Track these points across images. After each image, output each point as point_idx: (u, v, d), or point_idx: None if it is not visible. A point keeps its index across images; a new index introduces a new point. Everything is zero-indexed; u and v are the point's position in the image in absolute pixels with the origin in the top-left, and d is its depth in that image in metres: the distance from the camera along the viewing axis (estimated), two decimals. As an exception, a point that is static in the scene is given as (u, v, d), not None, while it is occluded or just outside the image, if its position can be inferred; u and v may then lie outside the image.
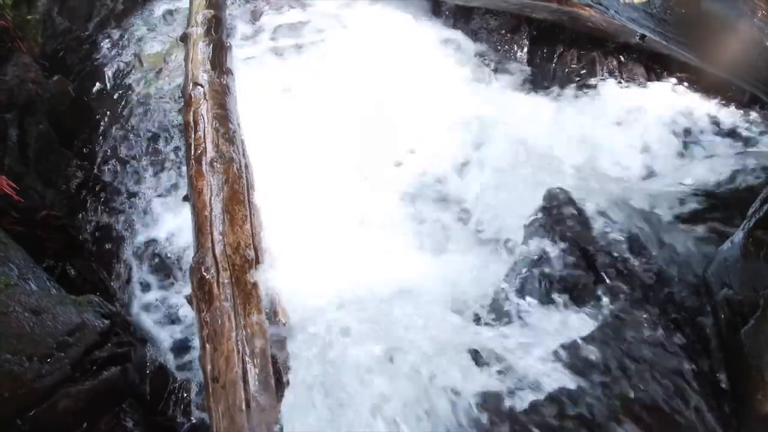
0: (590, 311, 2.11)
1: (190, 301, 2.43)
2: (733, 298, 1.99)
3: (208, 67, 3.49)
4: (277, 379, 2.11)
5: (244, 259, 2.45)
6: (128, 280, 3.08)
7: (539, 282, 2.25)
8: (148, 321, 2.84)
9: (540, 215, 2.47)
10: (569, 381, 1.90)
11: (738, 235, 2.04)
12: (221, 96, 3.32)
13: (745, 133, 3.32)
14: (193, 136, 3.05)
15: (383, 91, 3.95)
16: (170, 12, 4.94)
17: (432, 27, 4.62)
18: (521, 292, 2.25)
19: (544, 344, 2.01)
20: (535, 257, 2.32)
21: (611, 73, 3.96)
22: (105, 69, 4.31)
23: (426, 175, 3.39)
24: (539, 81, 4.10)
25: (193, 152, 2.97)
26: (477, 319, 2.32)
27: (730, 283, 2.02)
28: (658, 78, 3.81)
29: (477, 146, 3.52)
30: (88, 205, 3.47)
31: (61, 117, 3.70)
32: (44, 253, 2.90)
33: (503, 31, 4.40)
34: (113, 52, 4.44)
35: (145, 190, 3.57)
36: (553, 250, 2.30)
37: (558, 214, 2.43)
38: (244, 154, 3.10)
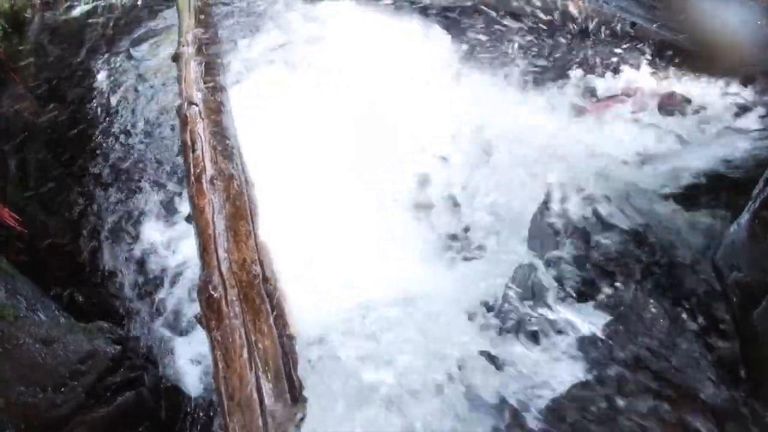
0: (600, 305, 2.10)
1: (200, 321, 2.43)
2: (742, 280, 1.98)
3: (202, 85, 3.49)
4: (292, 392, 2.11)
5: (251, 275, 2.44)
6: (136, 302, 3.08)
7: (547, 280, 2.24)
8: (159, 342, 2.83)
9: (543, 212, 2.46)
10: (586, 377, 1.89)
11: (744, 217, 2.04)
12: (217, 113, 3.31)
13: (741, 114, 3.30)
14: (191, 155, 3.04)
15: (376, 94, 3.94)
16: (160, 33, 4.95)
17: (421, 28, 4.60)
18: (530, 292, 2.24)
19: (557, 342, 2.00)
20: (541, 255, 2.31)
21: (604, 61, 3.96)
22: (99, 94, 4.31)
23: (427, 177, 3.38)
24: (533, 75, 4.09)
25: (192, 171, 2.96)
26: (487, 322, 2.31)
27: (739, 266, 2.02)
28: (651, 63, 3.80)
29: (476, 145, 3.51)
30: (91, 230, 3.47)
31: (59, 144, 3.71)
32: (51, 282, 2.90)
33: (493, 28, 4.40)
34: (106, 77, 4.44)
35: (147, 209, 3.56)
36: (559, 246, 2.30)
37: (561, 210, 2.42)
38: (243, 170, 3.10)
